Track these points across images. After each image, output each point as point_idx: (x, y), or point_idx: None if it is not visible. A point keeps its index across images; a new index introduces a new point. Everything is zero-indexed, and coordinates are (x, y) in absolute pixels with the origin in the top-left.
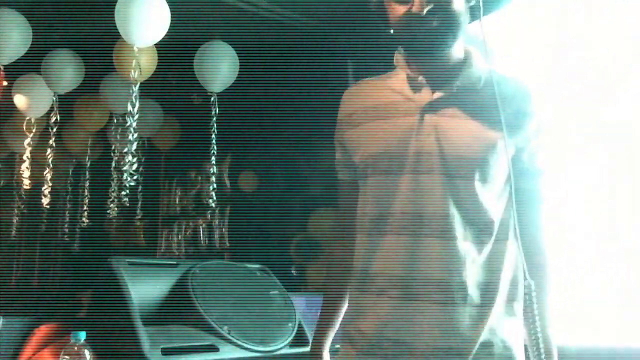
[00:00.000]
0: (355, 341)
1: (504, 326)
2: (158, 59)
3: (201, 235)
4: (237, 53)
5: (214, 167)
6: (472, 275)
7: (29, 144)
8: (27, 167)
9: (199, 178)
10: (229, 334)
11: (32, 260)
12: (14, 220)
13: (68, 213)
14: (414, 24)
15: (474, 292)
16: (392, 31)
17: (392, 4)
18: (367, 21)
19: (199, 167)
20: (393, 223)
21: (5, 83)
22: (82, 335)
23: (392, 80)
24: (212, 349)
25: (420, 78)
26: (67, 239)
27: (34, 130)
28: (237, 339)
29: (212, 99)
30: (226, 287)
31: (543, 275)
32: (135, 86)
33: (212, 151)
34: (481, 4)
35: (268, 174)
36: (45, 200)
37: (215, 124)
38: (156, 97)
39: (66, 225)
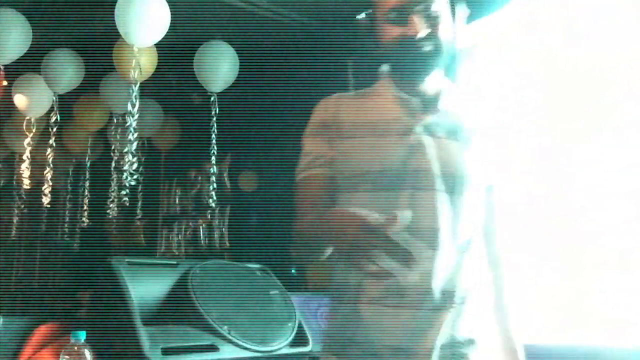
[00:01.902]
0: (347, 351)
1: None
2: (158, 59)
3: (201, 235)
4: (237, 53)
5: (214, 167)
6: (460, 281)
7: (29, 144)
8: (27, 167)
9: (199, 178)
10: (229, 333)
11: (32, 260)
12: (14, 220)
13: (68, 213)
14: (408, 46)
15: (457, 296)
16: (379, 51)
17: (386, 25)
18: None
19: (199, 167)
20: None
21: (5, 83)
22: (82, 335)
23: (379, 98)
24: (212, 348)
25: (414, 100)
26: (67, 239)
27: (34, 130)
28: (237, 339)
29: (212, 99)
30: (226, 287)
31: (501, 275)
32: (135, 86)
33: (212, 151)
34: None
35: (268, 174)
36: (45, 200)
37: (215, 124)
38: (156, 97)
39: (66, 225)
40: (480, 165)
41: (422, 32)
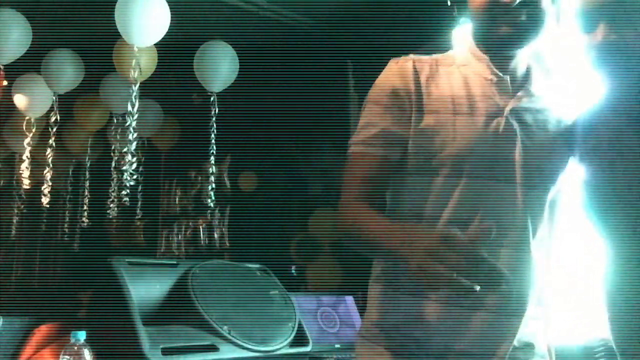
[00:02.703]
0: (398, 345)
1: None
2: (158, 59)
3: (201, 235)
4: (237, 53)
5: (214, 167)
6: (532, 284)
7: (29, 144)
8: (27, 167)
9: (199, 178)
10: (229, 333)
11: (32, 260)
12: (14, 220)
13: (68, 213)
14: (500, 14)
15: (530, 300)
16: (460, 17)
17: None
18: (368, 21)
19: (199, 167)
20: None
21: (5, 83)
22: (82, 335)
23: (465, 69)
24: (212, 348)
25: (503, 79)
26: (67, 239)
27: (34, 130)
28: (237, 339)
29: (212, 99)
30: (226, 287)
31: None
32: (135, 86)
33: (212, 151)
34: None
35: (268, 174)
36: (45, 200)
37: (215, 124)
38: (156, 97)
39: (66, 225)
40: (565, 161)
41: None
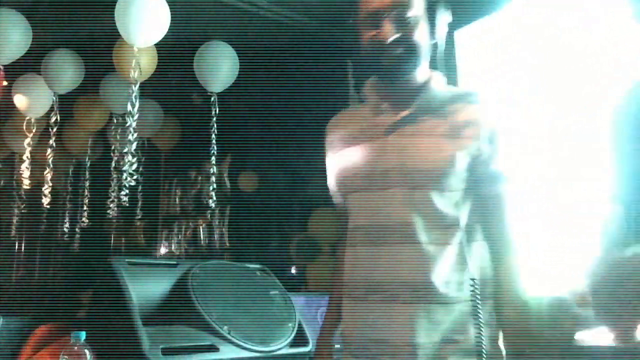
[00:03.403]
0: (346, 344)
1: (471, 323)
2: (158, 59)
3: (201, 235)
4: (237, 53)
5: (214, 167)
6: (439, 276)
7: (29, 144)
8: (27, 167)
9: (199, 178)
10: (229, 334)
11: (32, 260)
12: (14, 220)
13: (68, 213)
14: (378, 50)
15: (441, 291)
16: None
17: (364, 29)
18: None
19: (199, 167)
20: (365, 235)
21: (5, 83)
22: (82, 335)
23: (363, 108)
24: (212, 349)
25: (385, 104)
26: (67, 239)
27: (34, 130)
28: (237, 339)
29: (212, 99)
30: (226, 287)
31: (516, 274)
32: (135, 86)
33: (212, 151)
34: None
35: (268, 174)
36: (45, 200)
37: (215, 124)
38: (156, 97)
39: (66, 225)
40: (454, 161)
41: (393, 36)
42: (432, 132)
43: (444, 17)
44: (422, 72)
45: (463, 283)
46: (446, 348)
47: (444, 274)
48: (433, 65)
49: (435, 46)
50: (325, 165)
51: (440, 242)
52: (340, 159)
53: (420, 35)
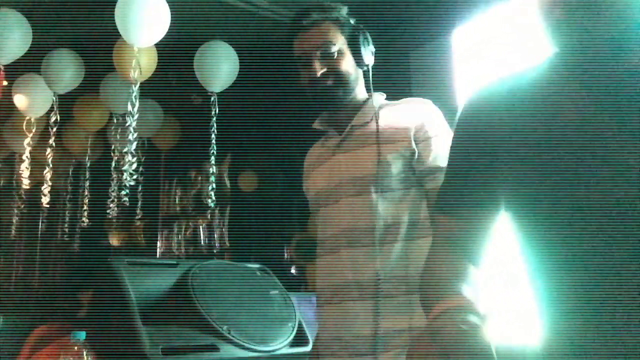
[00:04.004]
0: (316, 345)
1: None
2: (158, 59)
3: (201, 235)
4: (237, 53)
5: (214, 167)
6: (383, 272)
7: (29, 144)
8: (27, 167)
9: (199, 178)
10: (229, 333)
11: (32, 260)
12: (14, 220)
13: (68, 213)
14: (312, 83)
15: (385, 287)
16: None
17: (299, 68)
18: (367, 21)
19: (199, 167)
20: (326, 244)
21: (5, 83)
22: (82, 335)
23: (323, 138)
24: (212, 348)
25: (331, 129)
26: (67, 239)
27: (34, 130)
28: (237, 339)
29: (212, 99)
30: (226, 287)
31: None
32: (135, 86)
33: (212, 151)
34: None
35: (268, 174)
36: (44, 200)
37: (215, 124)
38: (156, 97)
39: (66, 225)
40: (387, 164)
41: (321, 70)
42: (365, 143)
43: (368, 47)
44: (359, 95)
45: (407, 277)
46: (393, 339)
47: (388, 270)
48: (370, 87)
49: (367, 71)
50: None
51: (385, 241)
52: (307, 183)
53: (347, 65)
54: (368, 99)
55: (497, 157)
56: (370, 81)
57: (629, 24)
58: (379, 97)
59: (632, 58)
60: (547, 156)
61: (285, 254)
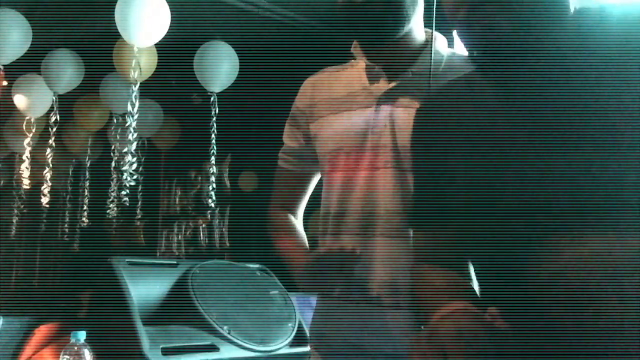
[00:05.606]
0: (319, 346)
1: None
2: (158, 59)
3: (201, 235)
4: (237, 53)
5: (214, 167)
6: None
7: (28, 144)
8: (27, 167)
9: (199, 178)
10: (229, 333)
11: (32, 260)
12: (14, 220)
13: (68, 213)
14: (352, 11)
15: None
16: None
17: None
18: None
19: (199, 167)
20: (351, 223)
21: (5, 83)
22: (82, 335)
23: (352, 70)
24: (212, 348)
25: (377, 68)
26: (67, 239)
27: (34, 130)
28: (237, 339)
29: (212, 99)
30: (226, 287)
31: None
32: (135, 86)
33: (212, 151)
34: None
35: (268, 174)
36: (44, 200)
37: (215, 124)
38: (156, 97)
39: (66, 225)
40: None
41: None
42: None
43: None
44: (417, 32)
45: None
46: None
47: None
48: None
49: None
50: (286, 134)
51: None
52: (325, 127)
53: None
54: (432, 38)
55: (448, 172)
56: (434, 14)
57: (533, 17)
58: (444, 41)
59: (540, 52)
60: (477, 164)
61: None
